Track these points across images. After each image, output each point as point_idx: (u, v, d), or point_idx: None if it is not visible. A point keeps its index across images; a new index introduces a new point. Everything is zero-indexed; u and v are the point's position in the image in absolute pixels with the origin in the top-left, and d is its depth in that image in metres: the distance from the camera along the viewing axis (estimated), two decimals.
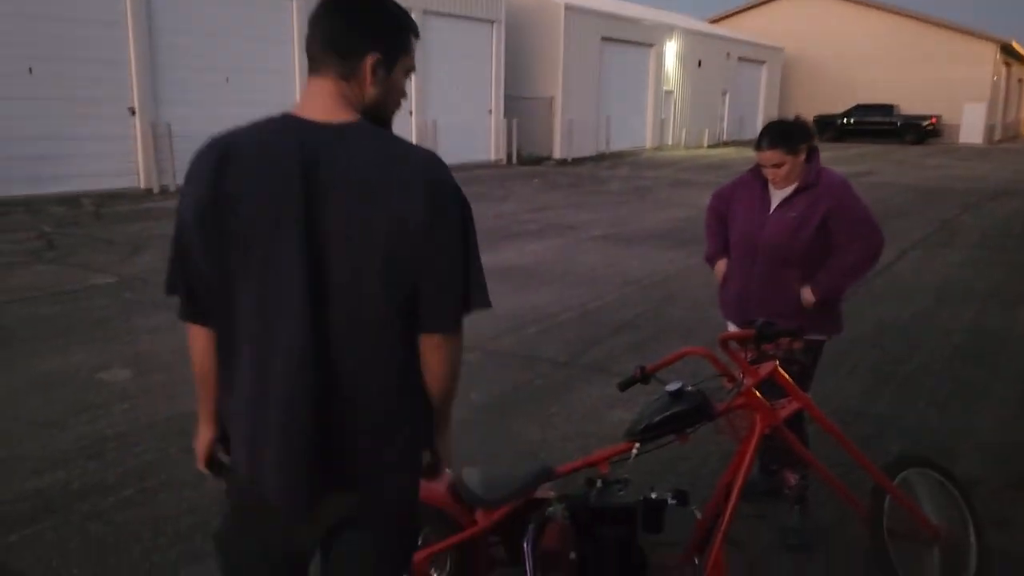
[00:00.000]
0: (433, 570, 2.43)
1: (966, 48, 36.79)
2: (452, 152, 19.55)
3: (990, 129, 37.88)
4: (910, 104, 36.31)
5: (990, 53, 36.88)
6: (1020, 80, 47.42)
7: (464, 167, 19.49)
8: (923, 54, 37.17)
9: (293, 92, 14.23)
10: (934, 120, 34.63)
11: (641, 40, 26.09)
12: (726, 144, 31.96)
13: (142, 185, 13.34)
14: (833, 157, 24.29)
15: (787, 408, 2.45)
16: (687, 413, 2.31)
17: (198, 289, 1.50)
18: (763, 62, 35.93)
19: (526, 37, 22.24)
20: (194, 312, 1.54)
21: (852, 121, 35.67)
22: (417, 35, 1.55)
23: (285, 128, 1.42)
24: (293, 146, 1.39)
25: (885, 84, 37.56)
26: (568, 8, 21.97)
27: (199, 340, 1.58)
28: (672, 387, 2.34)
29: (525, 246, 9.31)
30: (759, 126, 3.49)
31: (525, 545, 2.29)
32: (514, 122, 21.22)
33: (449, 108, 19.46)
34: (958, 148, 33.25)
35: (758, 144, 2.90)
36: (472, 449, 3.78)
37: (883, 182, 17.66)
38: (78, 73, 12.39)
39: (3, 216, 10.52)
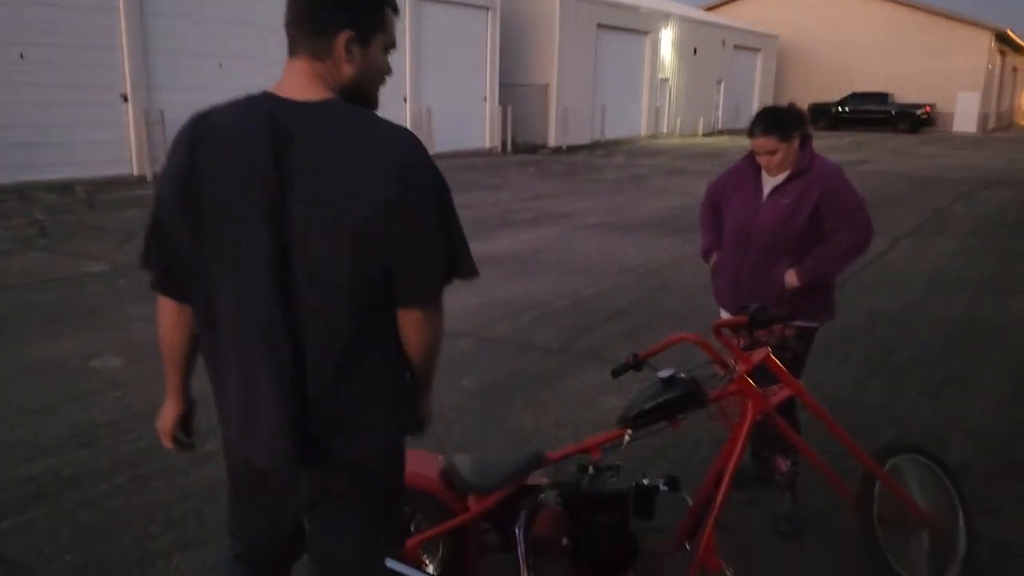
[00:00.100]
0: (425, 556, 2.44)
1: (961, 36, 36.76)
2: (447, 139, 19.50)
3: (984, 118, 37.91)
4: (905, 92, 36.32)
5: (985, 41, 36.86)
6: (1015, 69, 47.43)
7: (458, 155, 19.42)
8: (918, 42, 37.13)
9: None
10: (928, 109, 34.66)
11: (637, 27, 25.99)
12: (721, 132, 31.92)
13: (135, 172, 13.26)
14: (828, 146, 24.28)
15: (779, 395, 2.46)
16: (679, 400, 2.31)
17: (172, 264, 1.51)
18: (758, 50, 35.84)
19: (521, 24, 22.12)
20: (165, 284, 1.55)
21: (847, 109, 35.66)
22: (396, 10, 1.53)
23: (259, 106, 1.42)
24: (264, 124, 1.38)
25: (880, 72, 37.54)
26: None
27: (167, 313, 1.59)
28: (664, 374, 2.35)
29: (520, 234, 9.30)
30: (754, 114, 3.49)
31: (517, 531, 2.30)
32: (509, 109, 21.14)
33: (444, 95, 19.37)
34: (952, 137, 33.28)
35: (751, 131, 2.90)
36: (465, 436, 3.79)
37: (877, 171, 17.68)
38: (70, 59, 12.28)
39: None
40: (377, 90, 1.55)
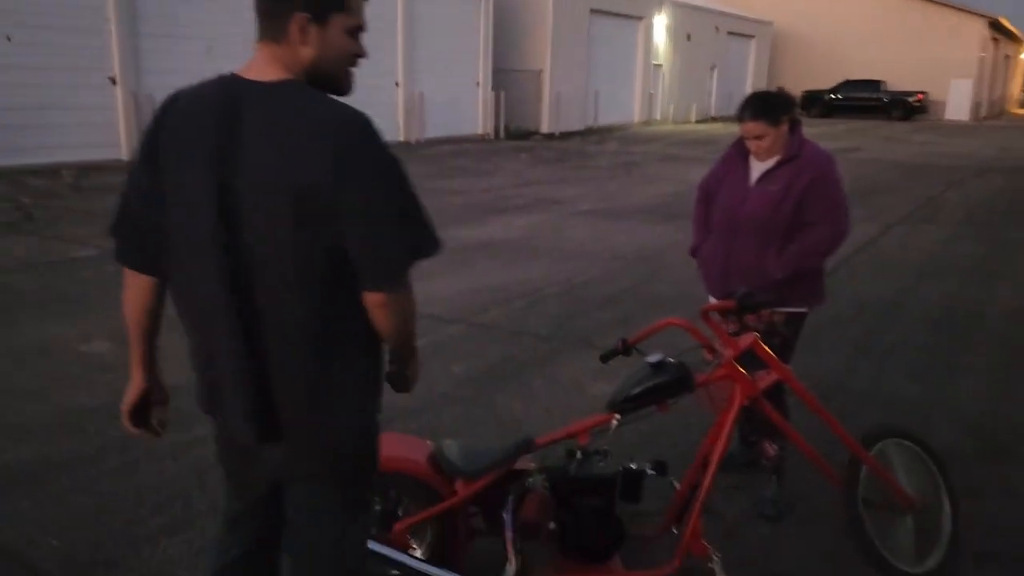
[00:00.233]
0: (413, 540, 2.45)
1: (955, 24, 36.74)
2: (439, 125, 19.41)
3: (976, 106, 37.97)
4: (898, 80, 36.32)
5: (978, 29, 36.86)
6: (1007, 56, 47.49)
7: (451, 140, 19.34)
8: (912, 30, 37.10)
9: None
10: (921, 96, 34.70)
11: (630, 13, 25.85)
12: (714, 119, 31.89)
13: (124, 156, 13.14)
14: (820, 133, 24.29)
15: (766, 379, 2.47)
16: (667, 384, 2.32)
17: (136, 236, 1.57)
18: (752, 36, 35.74)
19: (514, 9, 21.97)
20: (127, 255, 1.60)
21: (840, 97, 35.65)
22: None
23: (220, 86, 1.45)
24: (217, 103, 1.42)
25: (873, 59, 37.51)
26: None
27: (127, 285, 1.64)
28: (653, 359, 2.35)
29: (512, 220, 9.28)
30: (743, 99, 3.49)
31: (505, 515, 2.30)
32: (502, 95, 21.04)
33: (436, 80, 19.26)
34: (944, 124, 33.35)
35: (740, 115, 2.89)
36: (455, 422, 3.79)
37: (870, 158, 17.71)
38: (57, 41, 12.13)
39: None
40: (345, 73, 1.53)
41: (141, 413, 1.77)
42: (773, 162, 2.90)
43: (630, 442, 3.48)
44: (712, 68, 32.26)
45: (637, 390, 2.32)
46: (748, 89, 35.03)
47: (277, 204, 1.38)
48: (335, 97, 1.46)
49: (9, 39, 11.60)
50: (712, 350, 2.51)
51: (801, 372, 3.87)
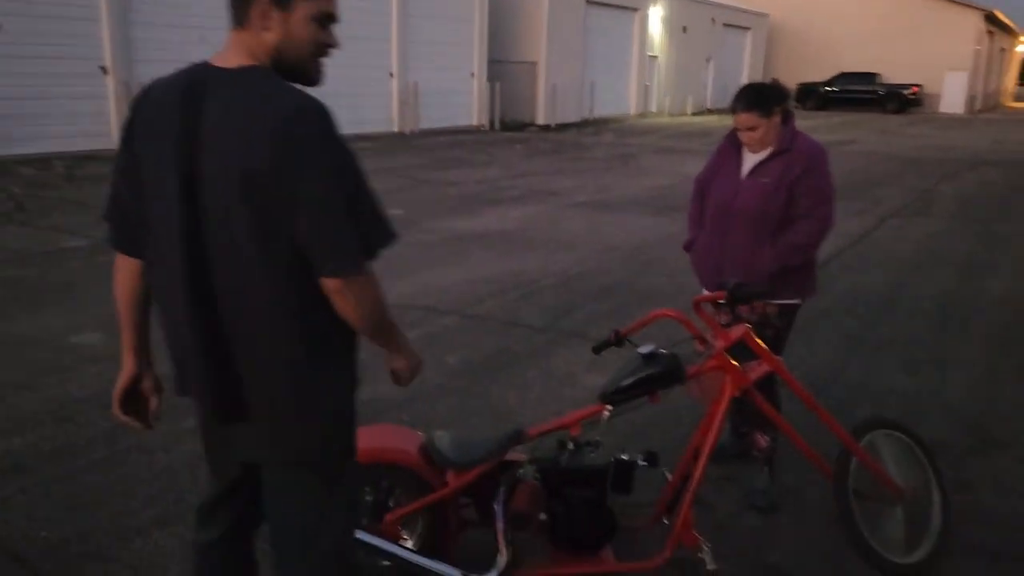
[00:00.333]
0: (404, 531, 2.45)
1: (950, 17, 36.73)
2: (434, 116, 19.34)
3: (971, 99, 38.01)
4: (893, 73, 36.30)
5: (974, 22, 36.86)
6: (1003, 49, 47.51)
7: (446, 131, 19.28)
8: (907, 22, 37.07)
9: None
10: (916, 89, 34.70)
11: (626, 4, 25.75)
12: (710, 111, 31.85)
13: (116, 146, 13.06)
14: (815, 125, 24.30)
15: (757, 371, 2.47)
16: (659, 376, 2.32)
17: (128, 222, 1.61)
18: (748, 28, 35.66)
19: (510, 0, 21.86)
20: (118, 240, 1.65)
21: (835, 89, 35.64)
22: None
23: (188, 74, 1.48)
24: (183, 88, 1.45)
25: (869, 52, 37.48)
26: None
27: (120, 269, 1.69)
28: (645, 350, 2.35)
29: (507, 212, 9.26)
30: (737, 90, 3.47)
31: (496, 506, 2.31)
32: (497, 86, 20.96)
33: (431, 71, 19.16)
34: (939, 117, 33.39)
35: (733, 107, 2.88)
36: (449, 413, 3.79)
37: (864, 151, 17.72)
38: (47, 30, 12.01)
39: None
40: (310, 62, 1.52)
41: (131, 400, 1.78)
42: (766, 154, 2.89)
43: (622, 433, 3.48)
44: (708, 60, 32.19)
45: (628, 381, 2.32)
46: (744, 82, 34.94)
47: (233, 190, 1.40)
48: (298, 86, 1.47)
49: (0, 28, 11.49)
50: (704, 341, 2.51)
51: (794, 364, 3.88)
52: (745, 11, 34.97)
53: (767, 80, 3.12)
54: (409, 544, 2.43)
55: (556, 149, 16.70)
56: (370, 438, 2.37)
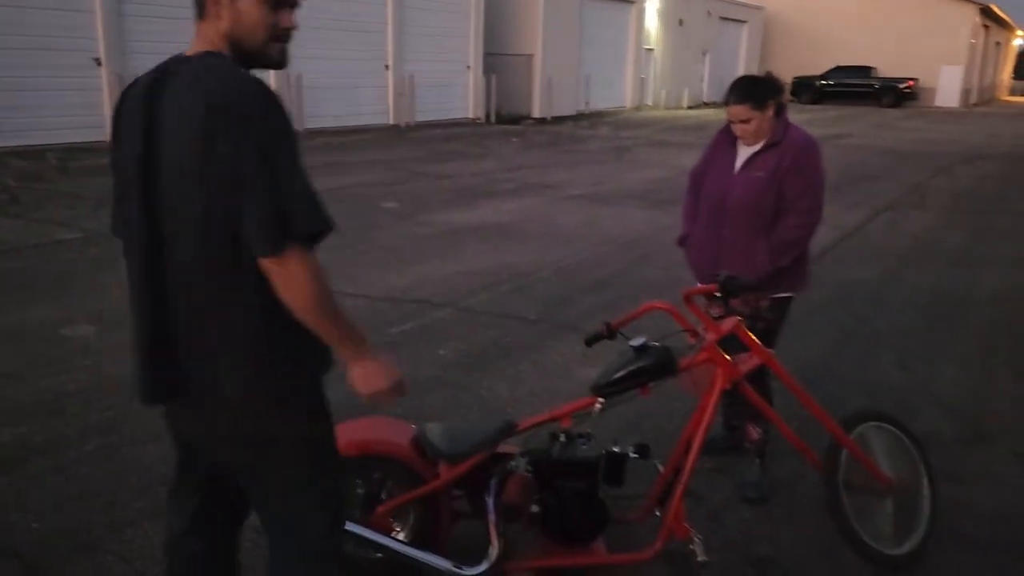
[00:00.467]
0: (396, 523, 2.45)
1: (946, 11, 36.70)
2: (430, 109, 19.27)
3: (966, 92, 38.04)
4: (888, 66, 36.31)
5: (969, 16, 36.84)
6: (998, 43, 47.53)
7: (441, 124, 19.23)
8: (903, 16, 37.04)
9: None
10: (911, 83, 34.71)
11: None
12: (706, 105, 31.81)
13: (109, 138, 13.01)
14: (811, 119, 24.30)
15: (748, 363, 2.47)
16: (650, 368, 2.32)
17: (120, 210, 1.64)
18: (744, 22, 35.60)
19: None
20: (114, 228, 1.68)
21: (831, 83, 35.63)
22: None
23: (160, 66, 1.53)
24: (149, 83, 1.51)
25: (864, 46, 37.46)
26: None
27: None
28: (636, 342, 2.35)
29: (502, 205, 9.25)
30: (731, 83, 3.46)
31: (488, 498, 2.31)
32: (493, 79, 20.90)
33: (427, 64, 19.09)
34: (934, 111, 33.42)
35: (726, 99, 2.88)
36: (442, 405, 3.79)
37: (860, 145, 17.73)
38: (40, 21, 11.93)
39: None
40: (267, 46, 1.54)
41: None
42: (759, 147, 2.89)
43: (615, 426, 3.49)
44: (704, 53, 32.14)
45: (620, 374, 2.32)
46: (740, 74, 34.93)
47: (175, 176, 1.45)
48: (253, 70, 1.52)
49: None
50: (695, 334, 2.51)
51: (787, 357, 3.89)
52: (741, 4, 34.90)
53: (762, 73, 3.11)
54: (401, 536, 2.43)
55: (552, 142, 16.67)
56: (362, 430, 2.37)
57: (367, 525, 2.32)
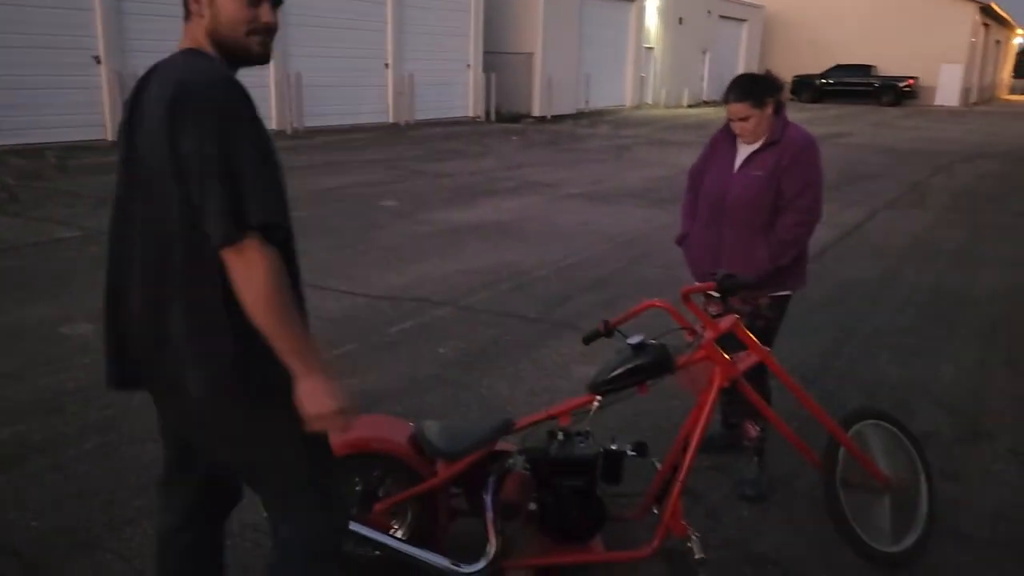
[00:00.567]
0: (394, 520, 2.45)
1: (946, 9, 36.67)
2: (429, 107, 19.27)
3: (966, 91, 38.01)
4: (888, 65, 36.29)
5: (969, 14, 36.81)
6: (998, 42, 47.50)
7: (441, 122, 19.22)
8: (903, 14, 37.02)
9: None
10: (911, 82, 34.69)
11: None
12: (706, 103, 31.80)
13: (109, 137, 12.99)
14: (811, 118, 24.29)
15: (746, 361, 2.47)
16: (648, 366, 2.32)
17: None
18: (744, 20, 35.59)
19: None
20: None
21: (831, 81, 35.61)
22: None
23: (153, 65, 1.57)
24: (140, 80, 1.57)
25: (864, 44, 37.43)
26: None
27: None
28: (634, 340, 2.35)
29: (502, 203, 9.25)
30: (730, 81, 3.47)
31: (485, 496, 2.31)
32: (492, 78, 20.89)
33: (427, 62, 19.08)
34: (934, 110, 33.40)
35: (726, 97, 2.88)
36: (441, 403, 3.79)
37: (859, 143, 17.73)
38: (39, 19, 11.92)
39: None
40: (247, 42, 1.55)
41: None
42: (758, 145, 2.89)
43: (613, 424, 3.49)
44: (704, 52, 32.12)
45: (617, 372, 2.33)
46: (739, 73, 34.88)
47: (151, 163, 1.48)
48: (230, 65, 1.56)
49: None
50: (693, 332, 2.51)
51: (786, 355, 3.89)
52: (741, 3, 34.88)
53: (761, 71, 3.11)
54: (399, 533, 2.43)
55: (551, 141, 16.67)
56: (360, 428, 2.37)
57: (365, 523, 2.33)
